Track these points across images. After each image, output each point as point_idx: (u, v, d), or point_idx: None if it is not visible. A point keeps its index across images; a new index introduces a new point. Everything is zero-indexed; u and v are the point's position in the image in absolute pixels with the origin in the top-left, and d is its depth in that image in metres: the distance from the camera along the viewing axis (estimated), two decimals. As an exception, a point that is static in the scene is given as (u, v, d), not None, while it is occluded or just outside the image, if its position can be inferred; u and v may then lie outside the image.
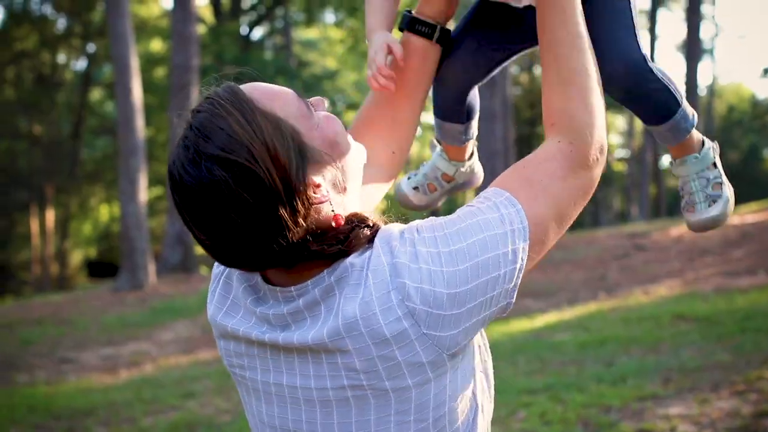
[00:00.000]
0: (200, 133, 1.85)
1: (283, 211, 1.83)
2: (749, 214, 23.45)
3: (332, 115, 2.04)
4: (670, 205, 51.57)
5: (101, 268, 48.83)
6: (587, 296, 15.47)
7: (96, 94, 48.96)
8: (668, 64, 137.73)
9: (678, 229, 22.59)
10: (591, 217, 62.85)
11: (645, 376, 8.98)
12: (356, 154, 2.08)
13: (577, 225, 56.99)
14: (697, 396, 7.94)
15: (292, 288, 1.95)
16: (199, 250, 39.63)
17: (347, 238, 1.92)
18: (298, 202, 1.86)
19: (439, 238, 1.92)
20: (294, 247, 1.88)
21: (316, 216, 1.91)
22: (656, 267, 17.83)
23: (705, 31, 69.66)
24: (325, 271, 1.92)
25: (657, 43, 62.47)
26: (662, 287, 15.35)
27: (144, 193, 23.03)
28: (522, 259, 1.98)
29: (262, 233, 1.84)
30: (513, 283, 1.98)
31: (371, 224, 1.97)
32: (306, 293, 1.93)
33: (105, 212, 51.28)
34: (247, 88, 1.99)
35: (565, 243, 24.10)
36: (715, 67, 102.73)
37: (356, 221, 1.96)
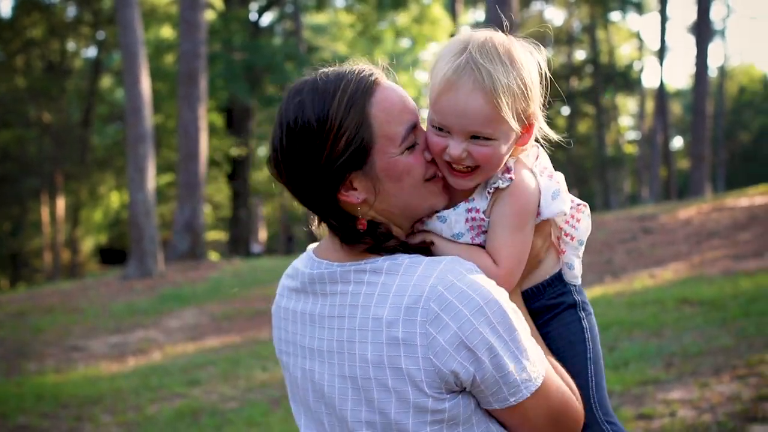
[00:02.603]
0: (321, 78, 2.25)
1: (318, 172, 2.21)
2: (758, 196, 23.33)
3: (419, 165, 2.27)
4: (680, 187, 51.48)
5: (112, 255, 49.05)
6: (593, 280, 15.46)
7: (106, 81, 48.99)
8: (678, 45, 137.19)
9: (686, 212, 22.52)
10: (602, 199, 62.76)
11: (647, 360, 9.00)
12: (421, 200, 2.31)
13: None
14: (698, 380, 7.95)
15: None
16: (208, 237, 39.65)
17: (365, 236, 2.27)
18: (329, 180, 2.21)
19: None
20: (325, 205, 2.28)
21: (350, 206, 2.27)
22: (663, 250, 17.79)
23: (716, 12, 69.39)
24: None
25: (667, 25, 62.19)
26: (668, 271, 15.33)
27: (152, 180, 23.06)
28: None
29: (304, 169, 2.22)
30: None
31: (384, 237, 2.26)
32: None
33: (115, 199, 51.41)
34: (386, 84, 2.28)
35: (573, 227, 24.03)
36: (727, 48, 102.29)
37: (379, 229, 2.27)
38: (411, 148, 2.24)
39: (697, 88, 35.26)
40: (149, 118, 23.01)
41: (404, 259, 2.19)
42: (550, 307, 2.51)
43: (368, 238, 2.23)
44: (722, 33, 66.72)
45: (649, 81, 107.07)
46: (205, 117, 27.15)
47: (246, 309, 17.00)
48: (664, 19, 49.46)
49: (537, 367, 2.15)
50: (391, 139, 2.20)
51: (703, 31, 35.74)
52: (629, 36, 67.66)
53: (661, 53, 49.87)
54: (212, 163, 39.72)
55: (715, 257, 15.92)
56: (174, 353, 13.82)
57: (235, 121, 42.17)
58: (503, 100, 2.18)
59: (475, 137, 2.21)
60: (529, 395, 2.13)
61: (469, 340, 2.05)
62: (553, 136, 2.48)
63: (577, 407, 2.30)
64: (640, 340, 10.03)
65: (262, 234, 61.47)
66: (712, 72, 56.50)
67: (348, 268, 2.23)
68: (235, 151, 40.43)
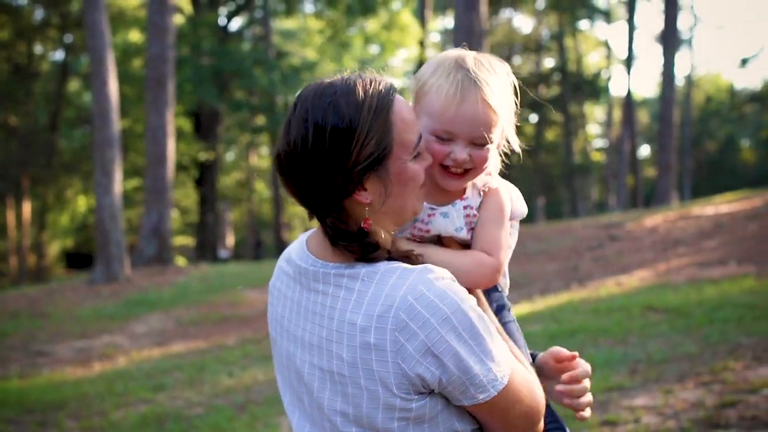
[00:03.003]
0: (347, 84, 2.31)
1: (340, 173, 2.25)
2: (723, 205, 23.56)
3: (420, 171, 2.40)
4: (647, 195, 51.77)
5: (79, 259, 48.69)
6: (559, 287, 15.53)
7: (73, 84, 48.65)
8: (646, 54, 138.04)
9: (652, 220, 22.68)
10: (569, 207, 63.02)
11: (612, 367, 9.04)
12: (412, 205, 2.43)
13: (555, 216, 57.13)
14: (662, 387, 8.00)
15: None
16: (175, 241, 39.41)
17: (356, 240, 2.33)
18: (347, 182, 2.26)
19: None
20: (329, 204, 2.31)
21: (355, 206, 2.33)
22: (629, 257, 17.90)
23: (683, 22, 70.04)
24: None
25: (635, 34, 62.55)
26: (634, 278, 15.43)
27: (119, 185, 22.95)
28: None
29: (326, 168, 2.25)
30: None
31: (375, 248, 2.34)
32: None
33: (82, 203, 51.06)
34: (398, 95, 2.39)
35: (540, 234, 24.15)
36: (693, 57, 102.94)
37: (368, 239, 2.34)
38: (416, 156, 2.38)
39: (664, 96, 35.52)
40: (117, 122, 22.89)
41: (381, 266, 2.30)
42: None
43: (356, 246, 2.32)
44: (689, 42, 67.11)
45: (617, 89, 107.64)
46: (173, 121, 27.06)
47: (212, 314, 16.93)
48: (631, 28, 49.71)
49: (502, 366, 2.26)
50: (406, 147, 2.34)
51: (670, 40, 36.01)
52: (597, 44, 68.03)
53: (628, 62, 50.16)
54: (180, 167, 39.57)
55: (680, 265, 16.04)
56: (140, 358, 13.74)
57: (203, 126, 42.06)
58: (502, 107, 2.45)
59: (474, 142, 2.43)
60: (496, 393, 2.25)
61: (436, 347, 2.17)
62: (516, 143, 2.66)
63: (540, 394, 2.41)
64: (605, 347, 10.08)
65: (230, 239, 61.27)
66: (679, 81, 56.92)
67: (329, 270, 2.35)
68: (202, 156, 40.31)
